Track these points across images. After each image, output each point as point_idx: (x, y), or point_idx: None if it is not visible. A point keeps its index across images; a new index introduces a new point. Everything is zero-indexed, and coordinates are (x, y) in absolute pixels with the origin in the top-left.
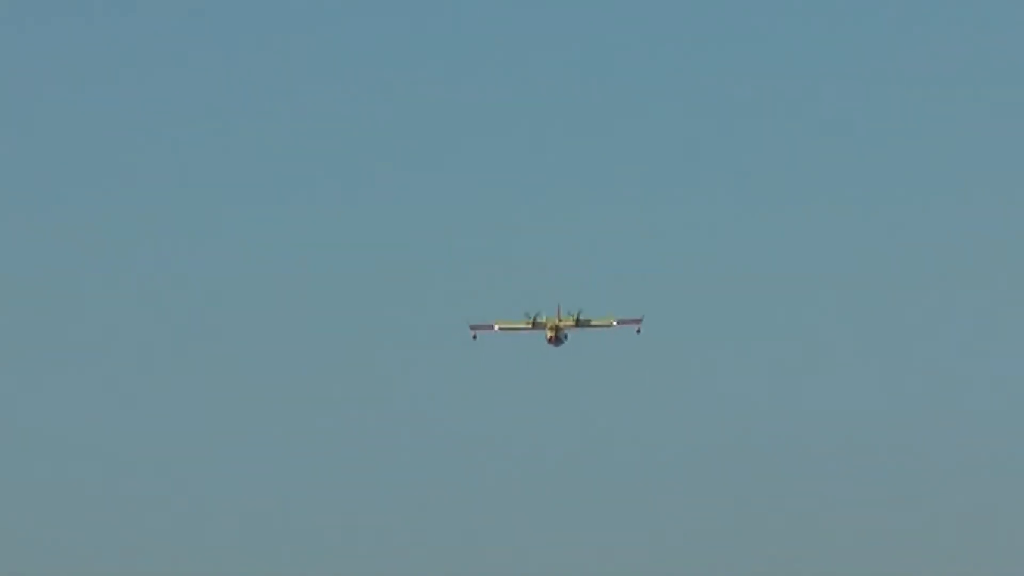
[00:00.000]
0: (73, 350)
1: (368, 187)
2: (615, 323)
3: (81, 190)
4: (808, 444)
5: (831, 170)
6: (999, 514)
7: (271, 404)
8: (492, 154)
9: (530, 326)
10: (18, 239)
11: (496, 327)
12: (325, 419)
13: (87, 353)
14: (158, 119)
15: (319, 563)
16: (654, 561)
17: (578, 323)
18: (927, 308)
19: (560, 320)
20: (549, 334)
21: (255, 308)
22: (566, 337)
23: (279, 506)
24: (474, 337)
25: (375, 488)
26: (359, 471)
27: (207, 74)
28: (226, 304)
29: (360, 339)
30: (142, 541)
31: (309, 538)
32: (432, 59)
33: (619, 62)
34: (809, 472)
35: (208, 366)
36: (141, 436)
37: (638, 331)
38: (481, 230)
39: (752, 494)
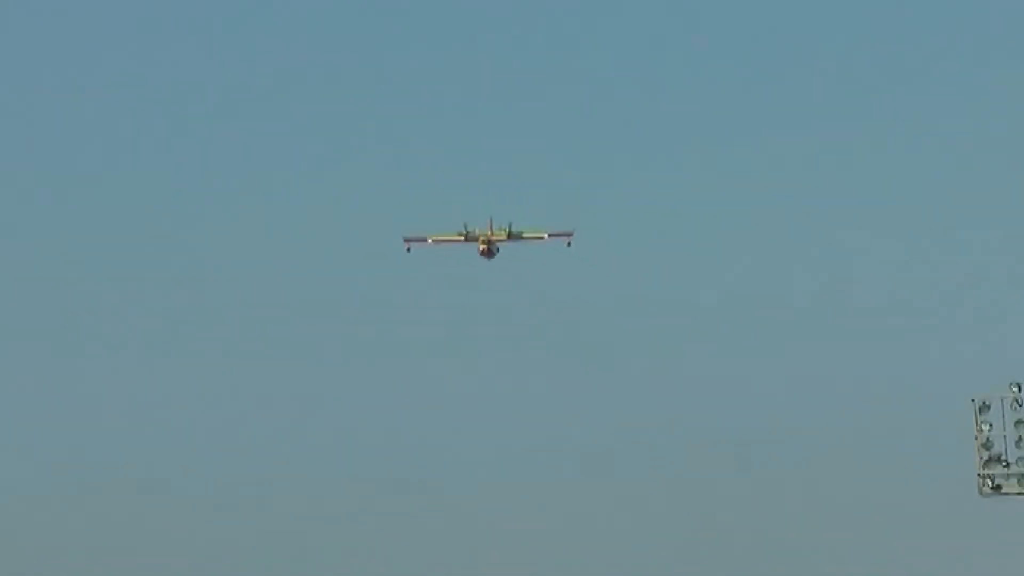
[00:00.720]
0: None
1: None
2: (546, 236)
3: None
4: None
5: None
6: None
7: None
8: (434, 64)
9: (463, 239)
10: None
11: (430, 240)
12: (265, 336)
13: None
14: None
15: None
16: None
17: (510, 236)
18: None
19: (492, 233)
20: (481, 247)
21: None
22: (498, 250)
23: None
24: (408, 250)
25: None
26: (294, 388)
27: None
28: None
29: (295, 251)
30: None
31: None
32: None
33: None
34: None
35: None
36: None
37: (568, 244)
38: (420, 140)
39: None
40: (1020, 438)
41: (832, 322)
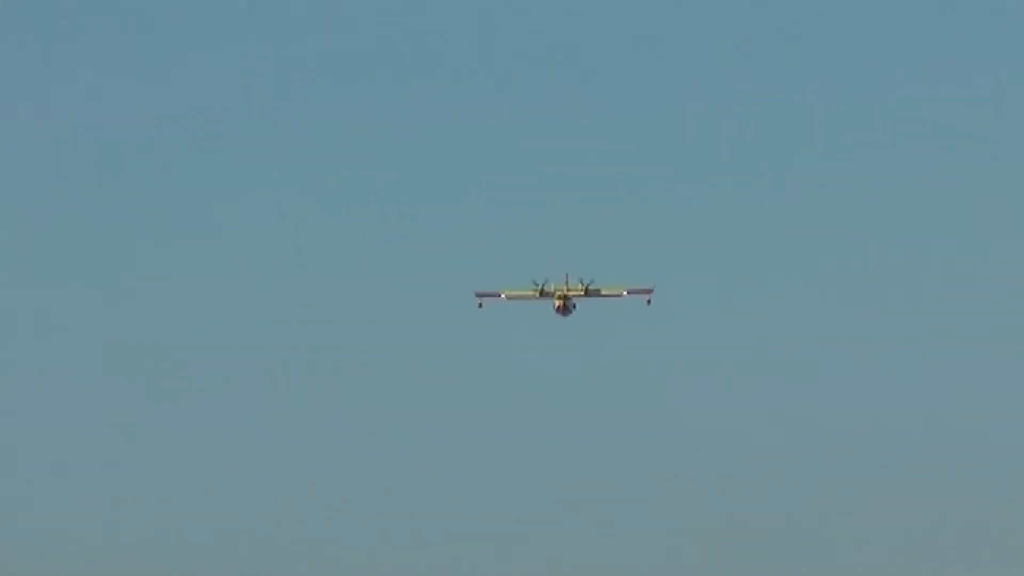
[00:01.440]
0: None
1: (370, 149)
2: (625, 293)
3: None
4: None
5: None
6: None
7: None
8: (501, 118)
9: (538, 295)
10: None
11: (503, 295)
12: (328, 392)
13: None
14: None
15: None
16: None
17: (587, 292)
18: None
19: (568, 288)
20: (557, 303)
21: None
22: (575, 306)
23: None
24: (480, 305)
25: (378, 463)
26: (361, 446)
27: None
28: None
29: (360, 306)
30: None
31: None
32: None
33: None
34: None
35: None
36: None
37: (648, 302)
38: (489, 195)
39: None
40: None
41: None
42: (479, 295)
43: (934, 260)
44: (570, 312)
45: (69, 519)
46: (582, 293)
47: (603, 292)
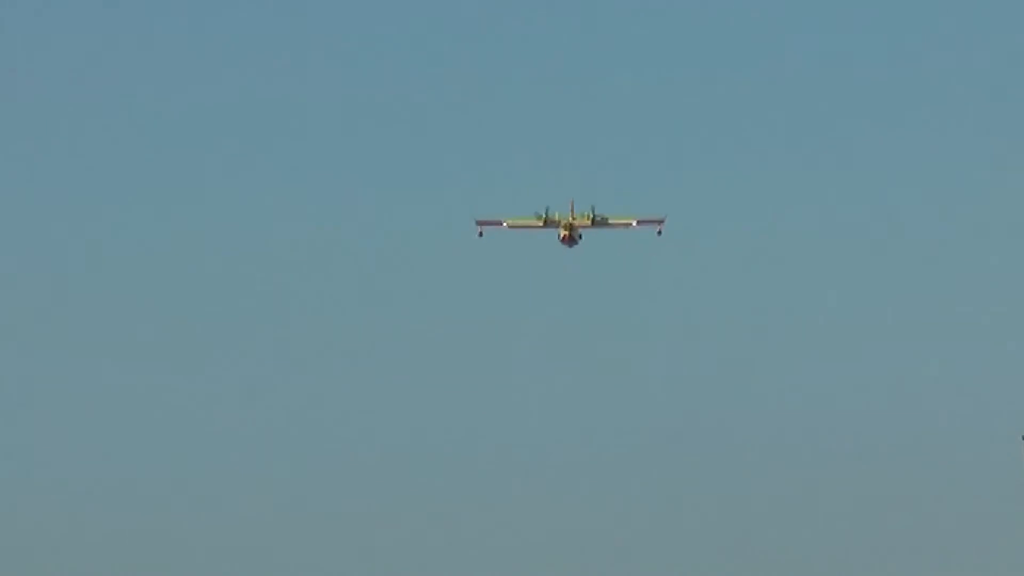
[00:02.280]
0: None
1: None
2: (635, 223)
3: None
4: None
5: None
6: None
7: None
8: (506, 38)
9: (542, 224)
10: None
11: (505, 224)
12: (327, 318)
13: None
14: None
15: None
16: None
17: (594, 222)
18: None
19: (574, 217)
20: (562, 233)
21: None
22: (580, 237)
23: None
24: (479, 234)
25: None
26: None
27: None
28: None
29: (361, 232)
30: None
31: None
32: None
33: None
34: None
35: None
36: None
37: (659, 233)
38: (491, 117)
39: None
40: None
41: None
42: (479, 223)
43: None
44: (576, 243)
45: (68, 519)
46: (588, 223)
47: (611, 222)
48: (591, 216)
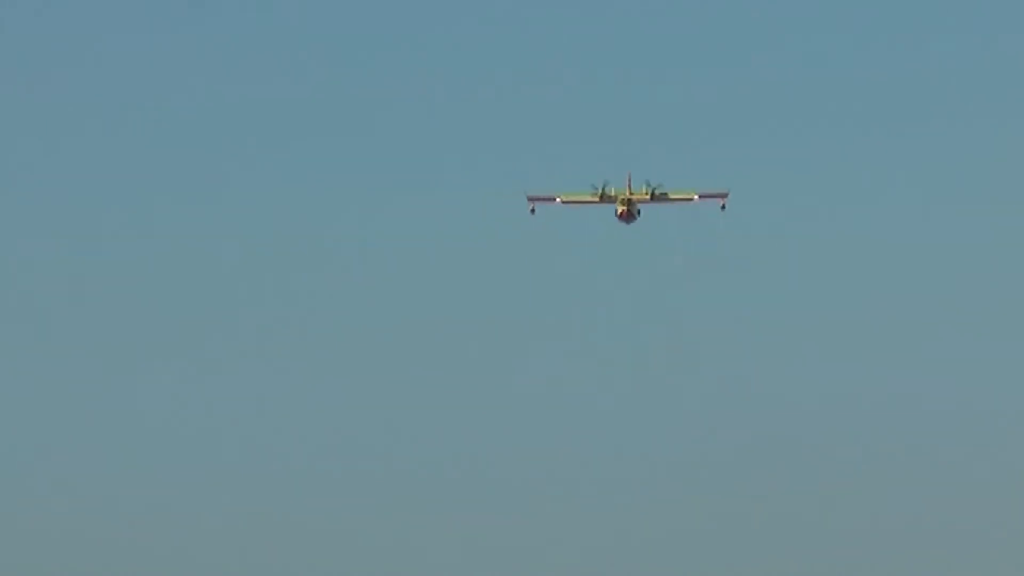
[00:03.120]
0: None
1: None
2: (696, 197)
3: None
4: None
5: None
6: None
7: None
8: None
9: (598, 199)
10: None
11: (558, 200)
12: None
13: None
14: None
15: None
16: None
17: (654, 196)
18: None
19: (632, 192)
20: (620, 208)
21: None
22: (639, 212)
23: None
24: (532, 211)
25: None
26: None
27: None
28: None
29: (408, 205)
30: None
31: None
32: None
33: None
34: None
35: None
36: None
37: (723, 207)
38: (543, 88)
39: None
40: None
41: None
42: (531, 199)
43: None
44: (635, 219)
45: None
46: (648, 197)
47: (671, 196)
48: (650, 190)
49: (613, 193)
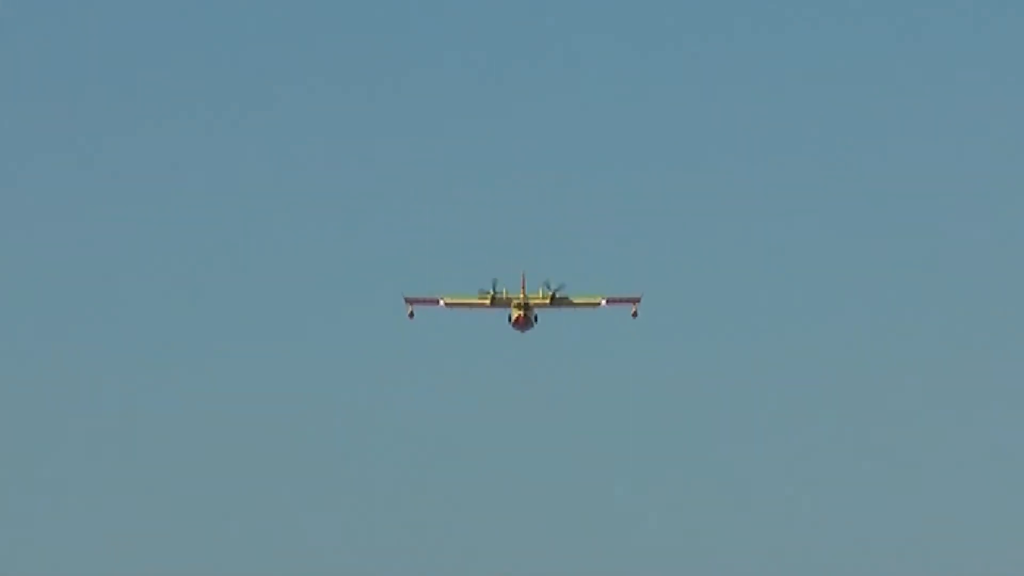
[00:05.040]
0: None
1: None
2: (604, 302)
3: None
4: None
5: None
6: None
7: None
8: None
9: (488, 302)
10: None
11: (442, 302)
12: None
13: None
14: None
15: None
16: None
17: (554, 300)
18: None
19: (528, 296)
20: (515, 313)
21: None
22: (536, 319)
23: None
24: (411, 315)
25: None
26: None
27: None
28: None
29: (269, 310)
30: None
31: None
32: None
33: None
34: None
35: None
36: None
37: (634, 314)
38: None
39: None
40: None
41: None
42: (410, 301)
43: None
44: (531, 326)
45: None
46: (547, 301)
47: (574, 300)
48: (550, 293)
49: (507, 295)
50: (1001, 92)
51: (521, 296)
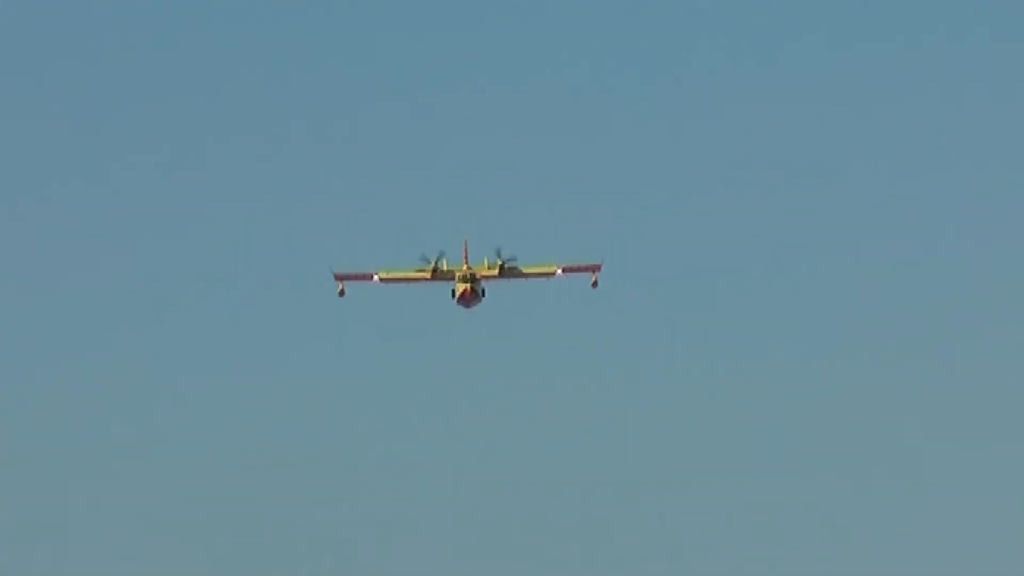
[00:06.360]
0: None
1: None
2: (559, 271)
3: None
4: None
5: None
6: None
7: None
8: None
9: (429, 275)
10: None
11: (376, 277)
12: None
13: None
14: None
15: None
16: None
17: (503, 271)
18: None
19: (474, 267)
20: (460, 287)
21: None
22: (484, 292)
23: None
24: (341, 292)
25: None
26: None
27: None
28: None
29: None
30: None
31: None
32: None
33: None
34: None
35: None
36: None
37: (594, 284)
38: (359, 140)
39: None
40: None
41: None
42: (339, 277)
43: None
44: (478, 300)
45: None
46: (495, 272)
47: (526, 271)
48: (498, 264)
49: (449, 268)
50: None
51: (465, 267)
